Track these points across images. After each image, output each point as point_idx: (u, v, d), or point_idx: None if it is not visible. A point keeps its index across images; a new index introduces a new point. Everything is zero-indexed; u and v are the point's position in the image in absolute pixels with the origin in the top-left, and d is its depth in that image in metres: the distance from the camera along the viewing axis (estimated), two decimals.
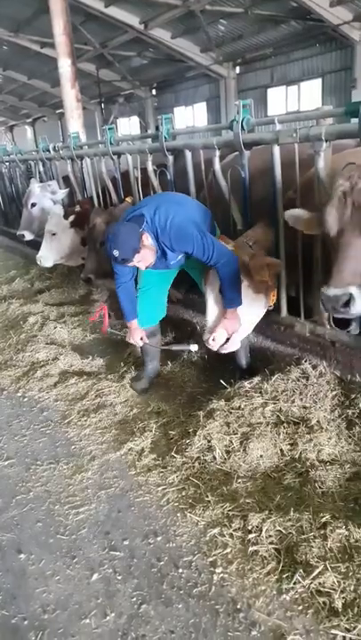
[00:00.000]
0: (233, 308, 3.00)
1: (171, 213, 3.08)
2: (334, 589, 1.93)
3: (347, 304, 2.32)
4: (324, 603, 1.91)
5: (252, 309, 3.15)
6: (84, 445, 3.12)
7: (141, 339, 3.45)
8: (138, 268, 3.24)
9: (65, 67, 8.10)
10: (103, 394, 3.59)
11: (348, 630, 1.81)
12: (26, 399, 3.74)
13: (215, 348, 3.06)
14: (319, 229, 2.66)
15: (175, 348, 3.73)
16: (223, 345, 3.04)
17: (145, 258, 3.06)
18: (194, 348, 3.48)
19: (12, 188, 8.19)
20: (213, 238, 3.08)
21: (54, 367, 4.05)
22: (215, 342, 3.01)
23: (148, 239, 3.04)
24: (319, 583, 1.96)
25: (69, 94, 8.17)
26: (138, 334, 3.43)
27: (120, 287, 3.36)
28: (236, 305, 3.00)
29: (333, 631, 1.82)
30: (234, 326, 3.02)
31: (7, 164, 8.06)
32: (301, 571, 2.02)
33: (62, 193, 5.94)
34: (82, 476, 2.84)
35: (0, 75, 23.67)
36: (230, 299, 2.99)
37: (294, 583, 2.00)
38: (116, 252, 2.93)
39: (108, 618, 2.01)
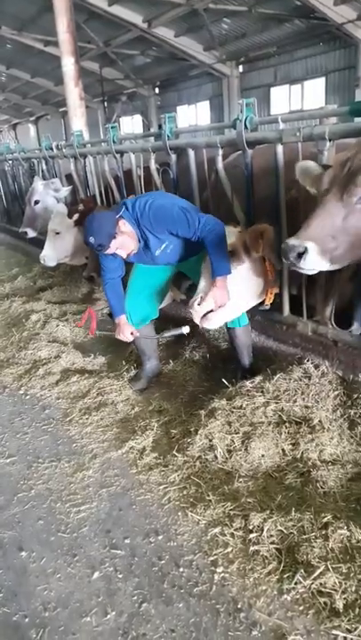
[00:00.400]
0: (222, 277, 2.95)
1: (151, 198, 3.15)
2: (335, 590, 1.92)
3: (300, 256, 2.33)
4: (325, 603, 1.91)
5: (245, 291, 3.13)
6: (85, 443, 3.12)
7: (132, 333, 3.41)
8: (128, 264, 3.25)
9: (68, 65, 8.12)
10: (105, 392, 3.59)
11: (349, 631, 1.80)
12: (28, 397, 3.74)
13: (198, 317, 2.99)
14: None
15: (167, 334, 3.59)
16: (206, 316, 2.99)
17: (124, 245, 3.06)
18: (185, 330, 3.39)
19: (15, 186, 8.19)
20: (199, 213, 3.12)
21: (56, 365, 4.05)
22: (200, 308, 2.95)
23: (125, 225, 3.05)
24: (320, 583, 1.95)
25: (73, 92, 8.19)
26: (127, 329, 3.39)
27: (107, 284, 3.35)
28: (225, 272, 2.95)
29: (334, 632, 1.82)
30: (223, 297, 2.97)
31: (10, 162, 8.07)
32: (303, 571, 2.02)
33: (65, 190, 5.94)
34: (83, 474, 2.84)
35: (4, 73, 23.71)
36: (218, 265, 2.95)
37: (295, 583, 1.99)
38: (91, 239, 2.95)
39: (108, 616, 2.01)
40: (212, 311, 2.99)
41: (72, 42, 8.07)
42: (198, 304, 2.95)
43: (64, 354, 4.19)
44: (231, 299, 3.02)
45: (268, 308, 3.42)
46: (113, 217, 3.03)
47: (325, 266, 2.41)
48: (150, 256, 3.27)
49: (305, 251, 2.31)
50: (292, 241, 2.34)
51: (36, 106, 28.33)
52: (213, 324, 3.05)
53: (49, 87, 23.54)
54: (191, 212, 3.05)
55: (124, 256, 3.17)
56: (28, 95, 26.97)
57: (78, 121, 8.11)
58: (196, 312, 2.98)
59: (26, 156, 7.51)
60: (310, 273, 2.50)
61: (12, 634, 1.98)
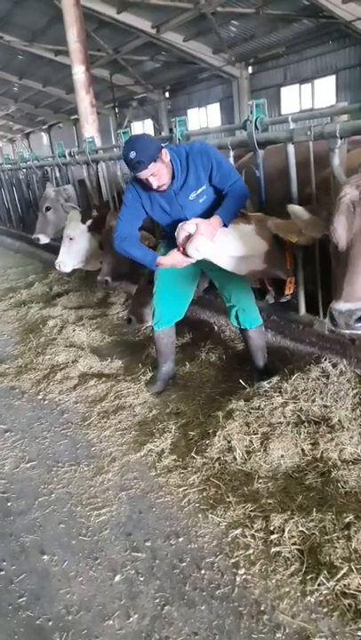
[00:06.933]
0: (219, 219, 2.98)
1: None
2: (360, 591, 1.90)
3: (359, 319, 2.21)
4: (349, 605, 1.88)
5: (238, 246, 3.11)
6: (104, 447, 3.13)
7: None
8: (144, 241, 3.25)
9: (79, 73, 8.21)
10: (122, 395, 3.60)
11: None
12: (46, 402, 3.77)
13: (180, 237, 2.95)
14: (319, 233, 2.62)
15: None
16: (184, 240, 2.95)
17: (160, 173, 2.95)
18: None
19: (30, 194, 8.30)
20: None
21: (74, 369, 4.08)
22: (184, 225, 2.92)
23: (166, 155, 2.96)
24: (344, 585, 1.93)
25: (84, 100, 8.27)
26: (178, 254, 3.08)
27: (125, 240, 3.19)
28: (224, 219, 2.99)
29: (360, 633, 1.79)
30: (207, 231, 2.92)
31: (24, 170, 8.18)
32: (326, 572, 1.99)
33: (69, 206, 5.81)
34: (103, 477, 2.85)
35: (16, 83, 24.04)
36: (223, 211, 3.01)
37: (319, 585, 1.97)
38: (132, 154, 2.82)
39: (131, 619, 2.01)
40: (190, 236, 2.94)
41: (82, 51, 8.16)
42: (184, 223, 2.96)
43: (81, 358, 4.21)
44: (222, 244, 3.02)
45: (289, 298, 3.36)
46: (159, 143, 2.97)
47: None
48: (182, 200, 3.13)
49: None
50: (345, 306, 2.20)
51: (48, 114, 28.68)
52: (191, 247, 2.96)
53: (60, 95, 23.81)
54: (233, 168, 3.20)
55: (155, 185, 3.00)
56: (40, 104, 27.31)
57: (90, 128, 8.19)
58: (179, 229, 2.95)
59: (39, 163, 7.60)
60: None
61: (36, 637, 2.00)
